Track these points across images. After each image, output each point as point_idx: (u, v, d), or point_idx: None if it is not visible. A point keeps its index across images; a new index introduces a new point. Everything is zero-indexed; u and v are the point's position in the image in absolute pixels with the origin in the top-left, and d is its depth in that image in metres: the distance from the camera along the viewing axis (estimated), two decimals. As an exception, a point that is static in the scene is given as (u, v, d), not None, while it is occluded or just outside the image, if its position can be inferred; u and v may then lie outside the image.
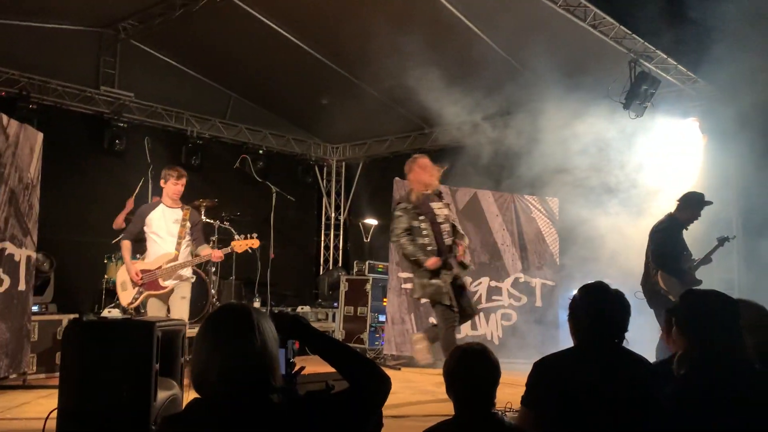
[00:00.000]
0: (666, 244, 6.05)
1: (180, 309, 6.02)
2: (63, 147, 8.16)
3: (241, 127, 11.14)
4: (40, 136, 6.38)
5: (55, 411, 3.03)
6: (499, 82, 8.15)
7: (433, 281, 5.78)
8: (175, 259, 6.05)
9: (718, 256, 6.30)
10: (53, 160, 6.84)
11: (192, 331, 7.44)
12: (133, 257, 6.23)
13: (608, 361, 2.62)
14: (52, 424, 3.15)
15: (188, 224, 6.19)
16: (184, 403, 3.55)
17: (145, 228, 6.14)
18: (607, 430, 2.50)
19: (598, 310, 2.69)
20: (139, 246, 6.35)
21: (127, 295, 6.05)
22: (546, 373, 2.63)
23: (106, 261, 8.15)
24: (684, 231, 6.15)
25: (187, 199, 6.55)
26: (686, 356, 2.57)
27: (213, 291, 8.19)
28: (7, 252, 5.69)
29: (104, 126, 9.31)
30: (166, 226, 6.12)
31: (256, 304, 9.17)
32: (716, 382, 2.43)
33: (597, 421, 2.50)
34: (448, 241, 5.96)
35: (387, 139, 11.57)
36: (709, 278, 6.15)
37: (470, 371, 2.47)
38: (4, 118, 5.76)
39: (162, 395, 3.11)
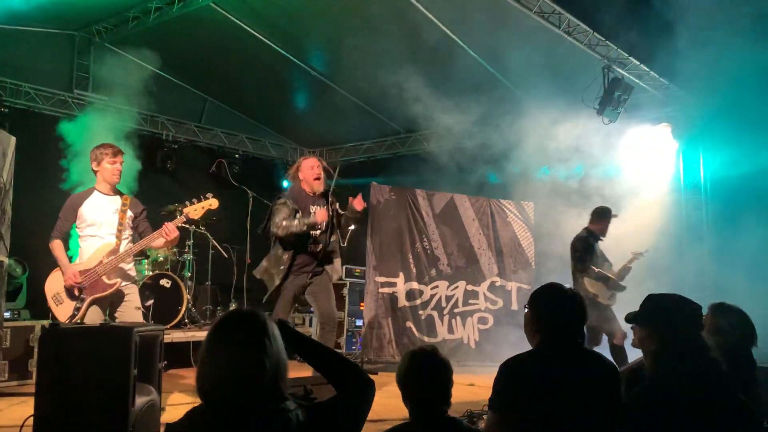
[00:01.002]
0: (586, 252, 6.84)
1: (135, 320, 5.06)
2: (36, 151, 8.08)
3: (217, 131, 11.12)
4: (13, 140, 6.32)
5: (31, 418, 3.02)
6: (474, 87, 8.25)
7: None
8: (117, 250, 4.97)
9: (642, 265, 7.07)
10: (26, 164, 6.78)
11: (169, 337, 7.37)
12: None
13: (571, 361, 2.68)
14: (27, 431, 3.14)
15: (129, 212, 5.13)
16: (163, 408, 3.56)
17: (78, 223, 5.05)
18: (574, 429, 2.55)
19: (557, 310, 2.75)
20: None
21: (65, 309, 4.89)
22: (512, 374, 2.67)
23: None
24: (600, 241, 6.99)
25: (164, 203, 6.44)
26: (656, 356, 2.64)
27: (188, 296, 8.14)
28: (-21, 257, 5.63)
29: (77, 130, 9.23)
30: (103, 218, 5.03)
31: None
32: (685, 381, 2.51)
33: (563, 420, 2.55)
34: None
35: (363, 143, 11.62)
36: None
37: (422, 373, 2.52)
38: (-24, 122, 5.71)
39: (140, 401, 3.11)
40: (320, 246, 5.91)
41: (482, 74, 8.56)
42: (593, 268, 6.77)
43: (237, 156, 11.27)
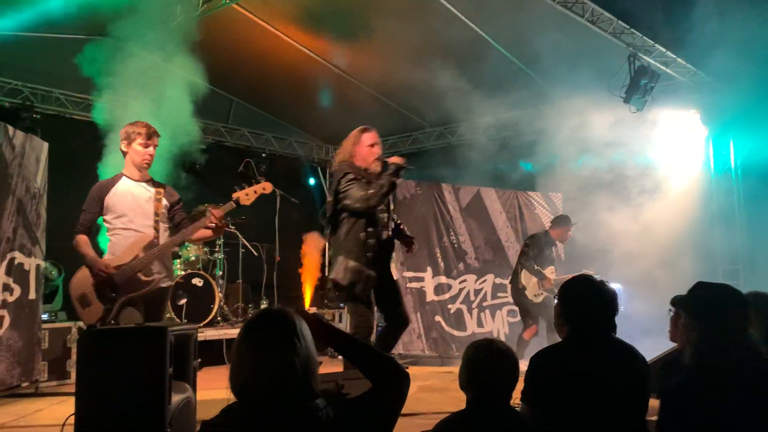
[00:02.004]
0: (533, 249, 7.54)
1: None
2: (68, 155, 8.23)
3: (244, 131, 11.21)
4: (46, 145, 6.47)
5: (72, 417, 3.10)
6: (498, 79, 8.20)
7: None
8: (155, 243, 4.38)
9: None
10: (59, 168, 6.91)
11: (202, 335, 7.47)
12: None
13: (601, 352, 2.67)
14: (68, 430, 3.22)
15: (164, 201, 4.53)
16: (198, 405, 3.63)
17: (105, 215, 4.42)
18: (605, 421, 2.54)
19: (586, 302, 2.73)
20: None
21: (93, 311, 4.26)
22: (541, 366, 2.68)
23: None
24: (557, 245, 7.81)
25: (192, 204, 6.45)
26: (696, 347, 2.60)
27: (220, 294, 8.25)
28: (16, 261, 5.78)
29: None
30: (135, 207, 4.42)
31: (263, 307, 9.25)
32: (726, 371, 2.44)
33: (593, 412, 2.54)
34: None
35: (388, 139, 11.62)
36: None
37: (495, 367, 2.51)
38: (10, 129, 5.85)
39: (176, 398, 3.17)
40: (386, 233, 5.07)
41: (506, 66, 8.50)
42: (533, 264, 7.45)
43: (264, 155, 11.35)
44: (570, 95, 7.75)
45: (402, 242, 5.26)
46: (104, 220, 4.45)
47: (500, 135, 9.13)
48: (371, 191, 4.74)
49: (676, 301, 2.85)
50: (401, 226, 5.29)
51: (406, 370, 2.16)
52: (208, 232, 4.49)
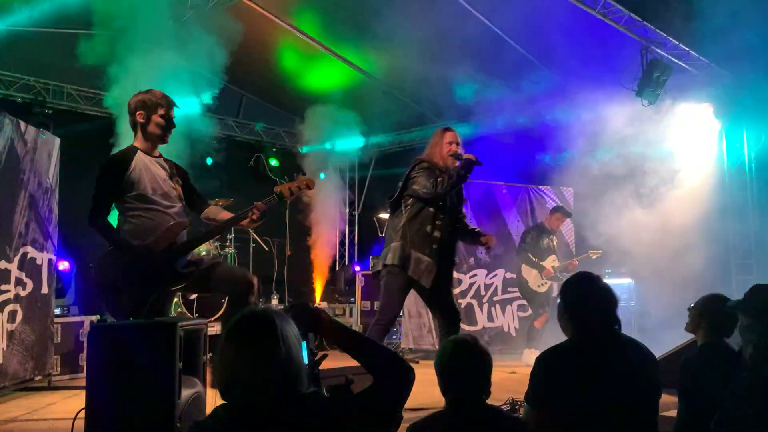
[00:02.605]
0: (525, 242, 7.95)
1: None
2: (80, 149, 8.26)
3: (254, 126, 11.22)
4: (57, 140, 6.49)
5: (83, 411, 3.11)
6: (510, 72, 8.17)
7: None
8: (185, 226, 4.03)
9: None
10: (71, 163, 6.94)
11: (213, 330, 7.49)
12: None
13: (607, 350, 2.63)
14: (80, 423, 3.24)
15: (180, 182, 4.20)
16: (208, 400, 3.63)
17: (125, 195, 3.93)
18: (613, 420, 2.51)
19: (587, 299, 2.70)
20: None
21: (125, 301, 3.76)
22: (547, 367, 2.63)
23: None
24: (555, 234, 8.05)
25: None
26: (756, 348, 2.64)
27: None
28: (29, 256, 5.81)
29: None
30: (157, 186, 4.01)
31: (274, 301, 9.27)
32: None
33: (602, 412, 2.51)
34: None
35: (400, 132, 11.60)
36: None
37: (460, 362, 2.49)
38: (22, 124, 5.87)
39: (186, 393, 3.17)
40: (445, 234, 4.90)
41: (519, 59, 8.46)
42: (529, 255, 7.81)
43: (274, 149, 11.36)
44: (581, 89, 7.70)
45: (475, 242, 5.19)
46: (121, 200, 3.95)
47: (512, 129, 9.07)
48: (439, 179, 4.69)
49: (732, 306, 2.86)
50: (475, 230, 5.24)
51: (410, 365, 2.13)
52: (243, 223, 4.22)
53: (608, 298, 2.71)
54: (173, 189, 4.10)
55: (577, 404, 2.53)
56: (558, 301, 2.83)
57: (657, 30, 7.41)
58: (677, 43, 7.61)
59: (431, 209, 4.77)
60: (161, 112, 4.04)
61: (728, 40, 6.69)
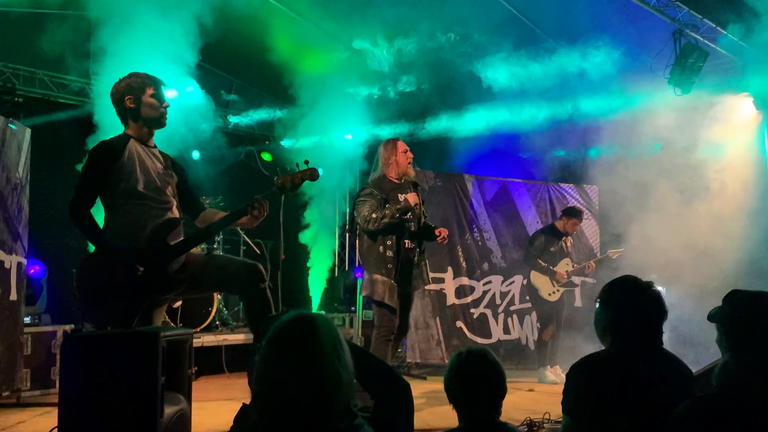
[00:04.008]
0: (532, 247, 7.92)
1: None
2: (53, 141, 8.26)
3: (246, 116, 11.20)
4: (28, 131, 6.48)
5: (55, 430, 3.10)
6: (533, 57, 8.16)
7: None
8: (179, 225, 3.98)
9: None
10: (43, 156, 6.94)
11: (199, 341, 7.47)
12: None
13: (649, 363, 2.64)
14: (51, 444, 3.23)
15: (175, 177, 4.14)
16: (193, 418, 3.62)
17: (114, 187, 3.85)
18: None
19: (634, 307, 2.69)
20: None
21: (109, 311, 3.70)
22: (586, 375, 2.65)
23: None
24: (566, 236, 7.96)
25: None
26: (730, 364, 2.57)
27: (219, 297, 8.25)
28: (-4, 259, 5.80)
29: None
30: (151, 178, 3.94)
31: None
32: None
33: (641, 425, 2.52)
34: None
35: (408, 123, 11.55)
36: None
37: (468, 378, 2.50)
38: (-11, 113, 5.87)
39: (169, 411, 3.16)
40: (414, 243, 5.72)
41: (542, 45, 8.44)
42: (539, 261, 7.77)
43: (267, 142, 11.36)
44: (608, 77, 7.68)
45: (431, 238, 5.75)
46: (109, 194, 3.89)
47: (530, 120, 9.04)
48: (374, 215, 5.44)
49: (711, 314, 2.81)
50: (429, 226, 5.84)
51: (405, 380, 2.14)
52: (243, 221, 4.15)
53: (657, 309, 2.71)
54: (167, 184, 4.03)
55: (617, 417, 2.53)
56: (596, 305, 2.81)
57: (691, 11, 7.38)
58: (714, 25, 7.57)
59: (379, 232, 5.53)
60: (150, 91, 3.99)
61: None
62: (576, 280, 8.12)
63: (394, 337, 5.60)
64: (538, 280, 7.83)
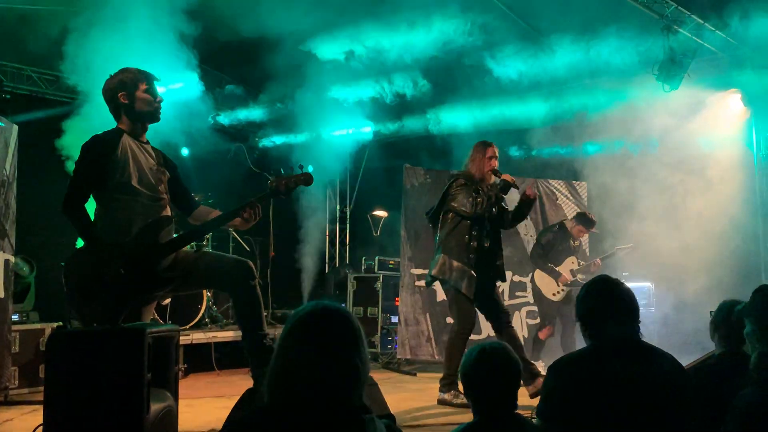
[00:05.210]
0: (539, 245, 7.95)
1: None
2: (40, 138, 8.22)
3: (235, 111, 11.17)
4: (15, 128, 6.44)
5: (41, 428, 3.09)
6: (517, 53, 8.16)
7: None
8: (171, 222, 4.04)
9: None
10: (31, 153, 6.91)
11: (188, 338, 7.44)
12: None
13: (628, 359, 2.64)
14: (37, 441, 3.22)
15: (167, 173, 4.15)
16: (181, 415, 3.61)
17: (107, 182, 3.87)
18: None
19: (605, 304, 2.72)
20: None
21: (96, 306, 3.67)
22: (562, 376, 2.66)
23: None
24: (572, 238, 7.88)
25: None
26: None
27: (209, 294, 8.22)
28: (-17, 256, 5.77)
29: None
30: (143, 174, 3.96)
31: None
32: None
33: (622, 426, 2.52)
34: None
35: (397, 121, 11.56)
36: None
37: (491, 372, 2.57)
38: (-24, 110, 5.84)
39: (155, 407, 3.15)
40: (490, 242, 5.89)
41: (531, 41, 8.44)
42: (545, 262, 7.80)
43: (257, 138, 11.33)
44: (597, 73, 7.70)
45: (525, 210, 5.93)
46: (102, 189, 3.90)
47: (519, 116, 9.07)
48: (479, 199, 5.67)
49: (741, 309, 2.84)
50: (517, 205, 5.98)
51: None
52: (235, 222, 4.18)
53: (628, 305, 2.72)
54: (160, 180, 4.03)
55: (593, 417, 2.54)
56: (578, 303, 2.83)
57: (679, 8, 7.40)
58: (702, 22, 7.59)
59: (467, 221, 5.75)
60: (144, 87, 4.01)
61: (758, 18, 6.70)
62: (582, 278, 8.05)
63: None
64: (543, 279, 7.84)
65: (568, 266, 7.79)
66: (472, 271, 5.69)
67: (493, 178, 5.91)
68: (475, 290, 5.71)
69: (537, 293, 7.92)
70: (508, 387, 2.57)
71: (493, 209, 5.83)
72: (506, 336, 5.68)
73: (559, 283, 7.74)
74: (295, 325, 1.88)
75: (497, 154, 5.98)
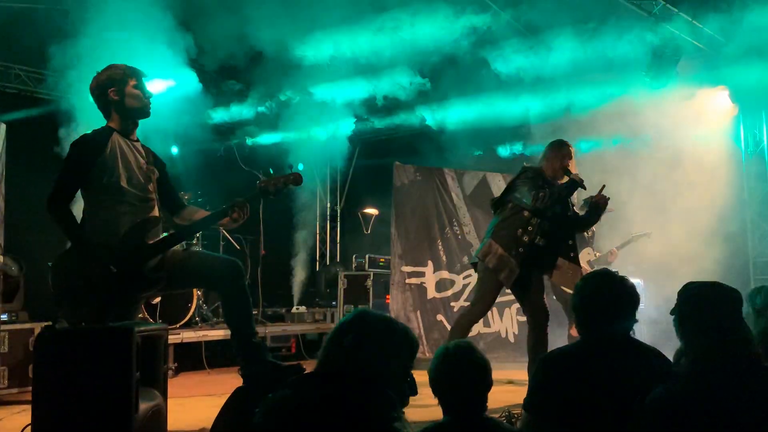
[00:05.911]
0: None
1: None
2: (28, 137, 8.18)
3: (225, 108, 11.13)
4: (3, 126, 6.41)
5: (29, 427, 3.08)
6: (501, 49, 8.18)
7: None
8: (158, 223, 4.02)
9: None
10: (18, 152, 6.87)
11: (178, 337, 7.41)
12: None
13: (620, 355, 2.64)
14: (26, 441, 3.21)
15: (156, 173, 4.10)
16: (171, 414, 3.61)
17: (95, 183, 3.83)
18: (621, 428, 2.51)
19: (599, 299, 2.71)
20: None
21: (83, 310, 3.60)
22: (552, 370, 2.65)
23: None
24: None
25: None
26: (686, 353, 2.59)
27: (199, 292, 8.21)
28: (-29, 256, 5.75)
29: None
30: (132, 174, 3.92)
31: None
32: (718, 383, 2.35)
33: (610, 421, 2.51)
34: None
35: (388, 118, 11.54)
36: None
37: (456, 373, 2.50)
38: (-37, 108, 5.81)
39: (144, 407, 3.16)
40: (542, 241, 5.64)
41: (518, 37, 8.46)
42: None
43: (247, 136, 11.29)
44: (584, 69, 7.71)
45: (595, 215, 5.75)
46: (89, 188, 3.88)
47: (505, 114, 9.08)
48: (542, 194, 5.41)
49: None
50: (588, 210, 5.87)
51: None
52: (224, 221, 4.15)
53: (625, 300, 2.72)
54: (149, 179, 4.00)
55: (580, 412, 2.53)
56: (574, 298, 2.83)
57: (667, 5, 7.42)
58: (689, 19, 7.62)
59: (525, 214, 5.55)
60: (133, 83, 3.96)
61: (745, 16, 6.72)
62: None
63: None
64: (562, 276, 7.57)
65: (584, 258, 7.52)
66: (516, 264, 5.49)
67: (565, 178, 5.65)
68: (513, 284, 5.57)
69: (555, 289, 7.49)
70: (475, 388, 2.49)
71: (556, 208, 5.58)
72: (532, 337, 5.57)
73: (579, 276, 7.47)
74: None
75: (573, 155, 5.73)
